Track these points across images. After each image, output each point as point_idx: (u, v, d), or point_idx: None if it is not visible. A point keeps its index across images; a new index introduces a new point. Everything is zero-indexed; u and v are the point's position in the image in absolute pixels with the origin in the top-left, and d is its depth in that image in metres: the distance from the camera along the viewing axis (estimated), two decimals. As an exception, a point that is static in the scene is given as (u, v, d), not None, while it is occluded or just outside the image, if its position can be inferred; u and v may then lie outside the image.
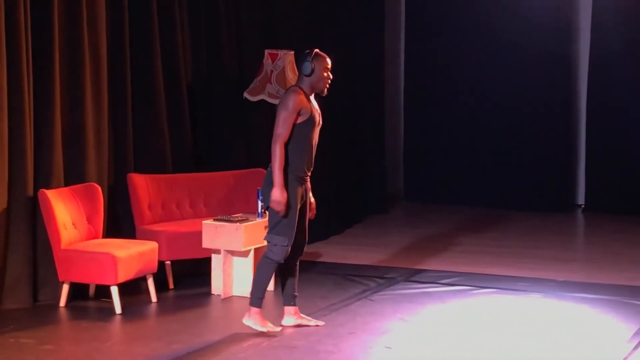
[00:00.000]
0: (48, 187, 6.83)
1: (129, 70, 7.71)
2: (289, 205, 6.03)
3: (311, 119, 6.11)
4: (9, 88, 6.59)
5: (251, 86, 8.50)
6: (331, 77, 6.25)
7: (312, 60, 6.13)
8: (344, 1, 10.44)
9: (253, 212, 7.39)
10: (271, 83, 8.38)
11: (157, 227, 7.43)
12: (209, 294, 7.20)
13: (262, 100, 8.47)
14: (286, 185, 6.03)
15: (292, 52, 8.46)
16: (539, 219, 10.86)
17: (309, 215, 6.35)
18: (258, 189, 7.33)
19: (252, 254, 7.17)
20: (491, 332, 6.31)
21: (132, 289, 7.10)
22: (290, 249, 6.10)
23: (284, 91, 8.26)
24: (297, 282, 6.39)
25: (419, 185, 12.11)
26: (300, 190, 6.12)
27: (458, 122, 11.77)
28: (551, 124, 11.42)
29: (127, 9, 7.67)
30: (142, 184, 7.57)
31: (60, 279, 6.77)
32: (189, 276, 7.61)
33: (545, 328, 6.42)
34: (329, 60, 6.22)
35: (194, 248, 7.29)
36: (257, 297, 6.16)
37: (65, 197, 6.88)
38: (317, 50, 6.23)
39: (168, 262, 7.37)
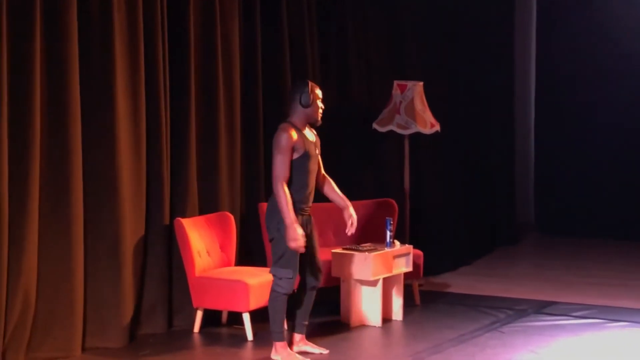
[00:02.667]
0: (183, 216, 7.03)
1: (261, 102, 7.90)
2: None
3: (306, 154, 6.12)
4: (147, 121, 6.83)
5: (380, 117, 8.57)
6: (323, 107, 6.27)
7: (310, 91, 6.14)
8: (473, 30, 10.43)
9: (382, 241, 7.43)
10: (400, 114, 8.43)
11: (287, 256, 7.54)
12: (338, 322, 7.26)
13: (391, 131, 8.53)
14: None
15: (421, 83, 8.50)
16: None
17: (351, 229, 6.32)
18: (387, 219, 7.39)
19: (380, 283, 7.20)
20: (625, 367, 6.17)
21: (264, 316, 7.19)
22: (296, 280, 6.13)
23: (412, 122, 8.33)
24: (309, 312, 6.40)
25: (550, 215, 11.92)
26: (300, 221, 6.10)
27: (591, 150, 11.55)
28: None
29: (260, 44, 7.87)
30: (273, 213, 7.70)
31: (195, 305, 6.95)
32: (318, 304, 7.63)
33: (683, 363, 6.23)
34: (319, 91, 6.25)
35: (323, 276, 7.35)
36: (277, 332, 6.20)
37: (200, 226, 7.07)
38: (309, 80, 6.29)
39: (298, 290, 7.46)
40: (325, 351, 6.39)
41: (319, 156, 6.38)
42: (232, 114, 7.57)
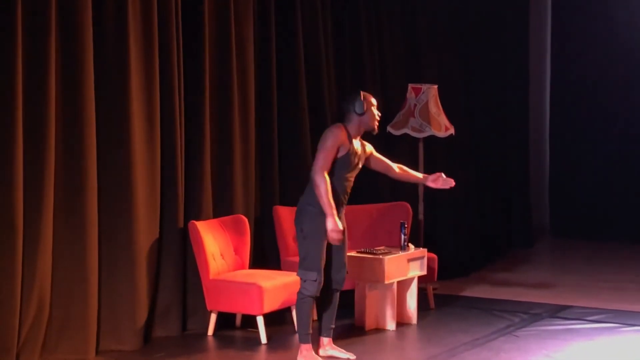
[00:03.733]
0: (198, 219, 7.04)
1: (275, 105, 7.90)
2: (312, 236, 6.02)
3: (347, 159, 6.07)
4: (162, 124, 6.84)
5: (394, 120, 8.56)
6: (380, 114, 6.25)
7: (364, 98, 6.13)
8: (487, 34, 10.42)
9: (396, 245, 7.42)
10: (414, 117, 8.42)
11: (301, 259, 7.54)
12: (352, 325, 7.25)
13: (405, 134, 8.51)
14: (311, 215, 6.04)
15: (436, 86, 8.48)
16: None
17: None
18: (401, 222, 7.38)
19: (394, 286, 7.19)
20: (641, 372, 6.14)
21: (278, 320, 7.21)
22: (322, 281, 6.08)
23: (427, 125, 8.32)
24: (335, 314, 6.36)
25: (565, 219, 11.89)
26: (325, 224, 6.05)
27: (606, 154, 11.52)
28: None
29: (274, 46, 7.87)
30: (287, 216, 7.70)
31: (209, 308, 6.95)
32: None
33: (699, 369, 6.20)
34: (374, 100, 6.24)
35: (339, 280, 7.36)
36: (303, 334, 6.14)
37: (214, 229, 7.08)
38: (362, 90, 6.26)
39: (312, 294, 7.45)
40: (352, 356, 6.33)
41: (382, 157, 6.42)
42: (246, 117, 7.58)
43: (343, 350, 6.38)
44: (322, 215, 6.04)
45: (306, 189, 6.17)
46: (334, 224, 5.94)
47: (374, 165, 6.45)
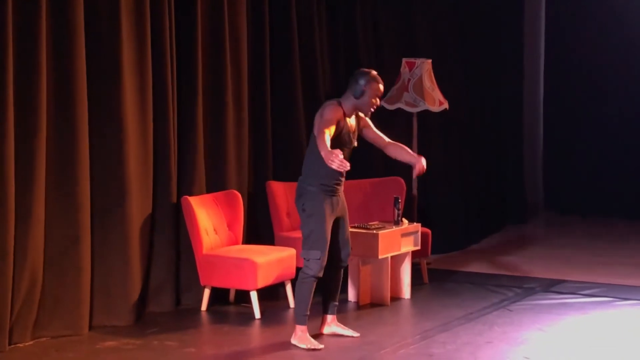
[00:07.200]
0: (191, 194, 7.02)
1: (268, 79, 7.86)
2: (314, 215, 5.93)
3: (341, 137, 5.92)
4: (154, 99, 6.81)
5: (388, 94, 8.53)
6: (379, 103, 6.08)
7: (366, 84, 5.96)
8: (482, 9, 10.37)
9: (390, 220, 7.41)
10: (408, 91, 8.39)
11: (295, 234, 7.52)
12: (346, 300, 7.25)
13: (399, 109, 8.49)
14: (312, 195, 5.95)
15: (430, 61, 8.45)
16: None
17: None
18: (395, 197, 7.37)
19: (388, 261, 7.19)
20: (633, 345, 6.14)
21: (271, 295, 7.21)
22: (325, 261, 5.98)
23: (421, 100, 8.29)
24: (339, 291, 6.30)
25: (559, 195, 11.89)
26: (328, 201, 5.99)
27: (600, 129, 11.51)
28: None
29: (268, 20, 7.82)
30: (280, 192, 7.69)
31: (202, 284, 6.94)
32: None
33: (692, 342, 6.21)
34: (381, 87, 6.04)
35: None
36: (301, 315, 6.05)
37: (207, 204, 7.06)
38: (374, 73, 6.03)
39: (306, 269, 7.44)
40: (356, 334, 6.27)
41: (377, 132, 6.21)
42: (239, 92, 7.54)
43: (347, 328, 6.34)
44: (323, 194, 5.98)
45: (303, 169, 6.08)
46: (328, 152, 5.51)
47: (367, 138, 6.32)
